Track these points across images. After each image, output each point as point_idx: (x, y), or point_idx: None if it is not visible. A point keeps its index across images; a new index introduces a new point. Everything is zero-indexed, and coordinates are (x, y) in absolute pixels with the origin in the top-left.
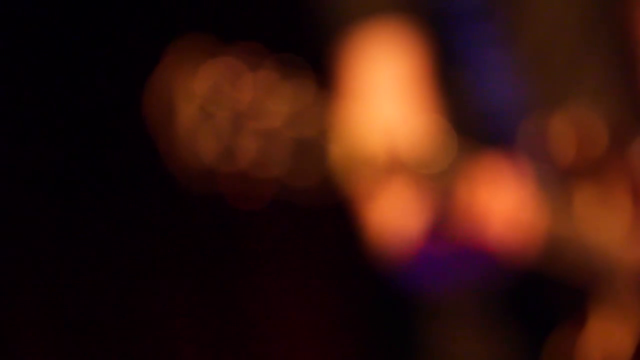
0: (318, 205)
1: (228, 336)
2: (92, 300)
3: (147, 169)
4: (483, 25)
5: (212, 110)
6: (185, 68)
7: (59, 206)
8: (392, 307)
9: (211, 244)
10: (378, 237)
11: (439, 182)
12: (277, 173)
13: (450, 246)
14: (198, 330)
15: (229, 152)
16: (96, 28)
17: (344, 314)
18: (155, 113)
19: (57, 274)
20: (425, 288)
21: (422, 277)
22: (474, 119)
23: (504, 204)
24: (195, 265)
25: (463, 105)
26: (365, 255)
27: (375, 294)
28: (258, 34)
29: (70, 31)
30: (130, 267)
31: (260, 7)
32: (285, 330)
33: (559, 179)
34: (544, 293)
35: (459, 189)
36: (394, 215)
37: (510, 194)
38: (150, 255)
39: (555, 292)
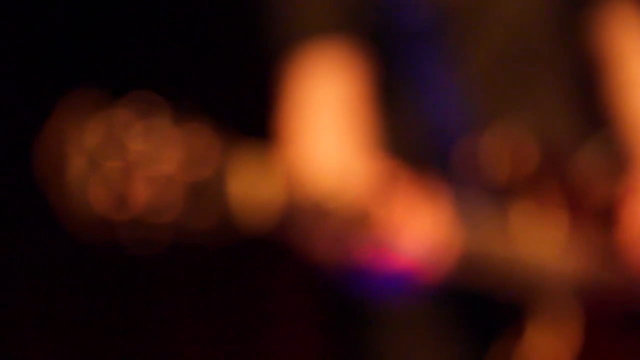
0: (218, 245)
1: None
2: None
3: (39, 220)
4: (432, 43)
5: (102, 161)
6: (75, 121)
7: None
8: (347, 318)
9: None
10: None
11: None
12: (173, 217)
13: (369, 263)
14: None
15: (120, 201)
16: None
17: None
18: (46, 166)
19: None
20: (368, 299)
21: (361, 290)
22: (418, 136)
23: (418, 224)
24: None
25: (407, 123)
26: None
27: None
28: (156, 80)
29: None
30: None
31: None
32: None
33: (494, 195)
34: (483, 307)
35: (375, 209)
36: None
37: (426, 214)
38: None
39: (494, 306)
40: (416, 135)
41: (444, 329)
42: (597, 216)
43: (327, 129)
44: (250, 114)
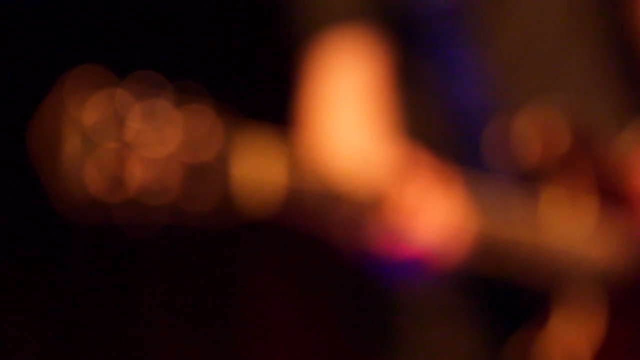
0: (216, 229)
1: None
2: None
3: (32, 201)
4: (456, 25)
5: (98, 141)
6: (74, 99)
7: None
8: (368, 303)
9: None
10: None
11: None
12: (170, 199)
13: (382, 249)
14: None
15: (116, 182)
16: None
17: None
18: (41, 145)
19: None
20: (381, 285)
21: (374, 275)
22: (443, 119)
23: (432, 209)
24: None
25: (432, 106)
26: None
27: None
28: (157, 61)
29: None
30: None
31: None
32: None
33: (524, 179)
34: (507, 293)
35: (389, 194)
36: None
37: (441, 200)
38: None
39: (518, 293)
40: (441, 119)
41: (464, 316)
42: (628, 203)
43: (347, 113)
44: (255, 98)
